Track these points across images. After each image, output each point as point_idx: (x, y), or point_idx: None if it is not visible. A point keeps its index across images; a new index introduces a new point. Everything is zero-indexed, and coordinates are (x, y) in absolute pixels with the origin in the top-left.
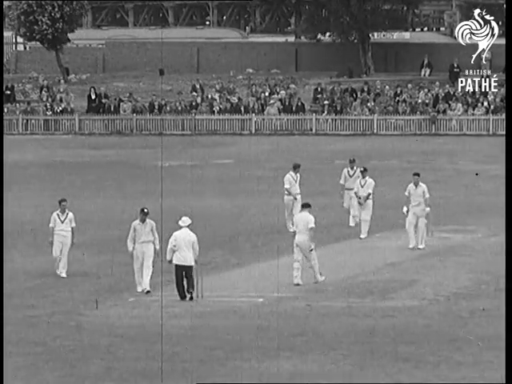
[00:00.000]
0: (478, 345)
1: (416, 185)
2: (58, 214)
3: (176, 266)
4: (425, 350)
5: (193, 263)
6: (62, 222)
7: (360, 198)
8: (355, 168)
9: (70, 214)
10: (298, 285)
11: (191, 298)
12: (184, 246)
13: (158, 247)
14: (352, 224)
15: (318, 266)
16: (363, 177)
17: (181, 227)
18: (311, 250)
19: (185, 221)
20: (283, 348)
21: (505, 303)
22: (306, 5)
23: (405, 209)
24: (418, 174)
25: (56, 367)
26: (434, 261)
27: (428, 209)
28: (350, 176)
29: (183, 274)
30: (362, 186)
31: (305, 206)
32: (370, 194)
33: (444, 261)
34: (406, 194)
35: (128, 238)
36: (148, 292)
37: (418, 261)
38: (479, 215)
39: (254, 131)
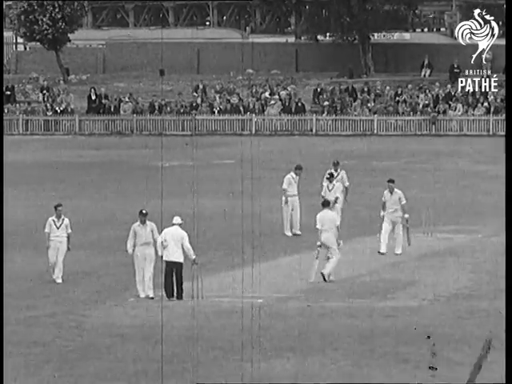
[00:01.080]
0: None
1: (391, 192)
2: (53, 220)
3: (165, 262)
4: (425, 351)
5: (182, 260)
6: (58, 228)
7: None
8: (339, 170)
9: (66, 220)
10: (331, 281)
11: (180, 297)
12: (173, 242)
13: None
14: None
15: (335, 265)
16: (330, 182)
17: (173, 224)
18: (339, 244)
19: (176, 219)
20: (283, 348)
21: (505, 303)
22: (307, 5)
23: (382, 213)
24: (392, 181)
25: (56, 367)
26: (434, 261)
27: (407, 215)
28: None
29: (172, 270)
30: (330, 191)
31: (326, 204)
32: (337, 198)
33: (444, 261)
34: (383, 199)
35: (128, 241)
36: (152, 298)
37: (418, 261)
38: (479, 215)
39: (254, 132)
